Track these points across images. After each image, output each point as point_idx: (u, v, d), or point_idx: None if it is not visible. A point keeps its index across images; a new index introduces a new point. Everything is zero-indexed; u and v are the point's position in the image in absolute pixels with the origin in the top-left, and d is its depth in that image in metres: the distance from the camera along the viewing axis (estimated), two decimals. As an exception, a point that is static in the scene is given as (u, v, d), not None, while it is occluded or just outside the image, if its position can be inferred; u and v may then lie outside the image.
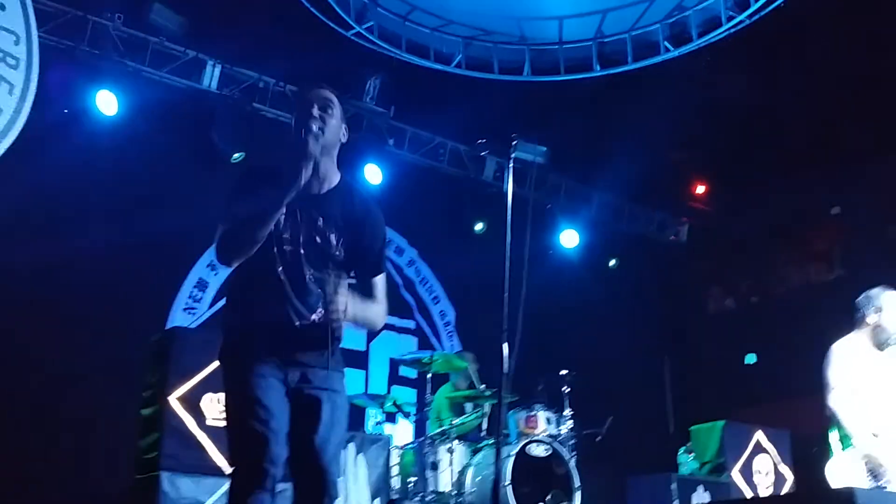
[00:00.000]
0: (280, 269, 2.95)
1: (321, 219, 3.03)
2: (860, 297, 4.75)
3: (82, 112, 7.20)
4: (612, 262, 10.70)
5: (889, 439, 4.37)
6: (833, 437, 4.58)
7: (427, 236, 9.83)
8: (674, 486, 7.15)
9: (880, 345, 4.65)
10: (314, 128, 3.02)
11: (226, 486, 5.27)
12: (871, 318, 4.67)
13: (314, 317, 2.98)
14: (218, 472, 5.27)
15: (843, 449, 4.48)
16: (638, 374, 10.13)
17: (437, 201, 9.54)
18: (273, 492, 2.84)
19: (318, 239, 3.03)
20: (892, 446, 4.34)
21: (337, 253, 3.07)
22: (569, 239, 9.99)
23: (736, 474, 7.63)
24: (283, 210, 2.90)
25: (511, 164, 3.93)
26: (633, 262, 10.74)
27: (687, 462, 7.76)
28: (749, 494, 7.54)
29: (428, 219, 9.64)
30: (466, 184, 9.53)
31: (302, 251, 2.99)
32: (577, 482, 6.32)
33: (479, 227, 9.60)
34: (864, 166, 9.22)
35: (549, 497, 6.26)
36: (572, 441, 6.78)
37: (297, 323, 2.95)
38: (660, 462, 8.11)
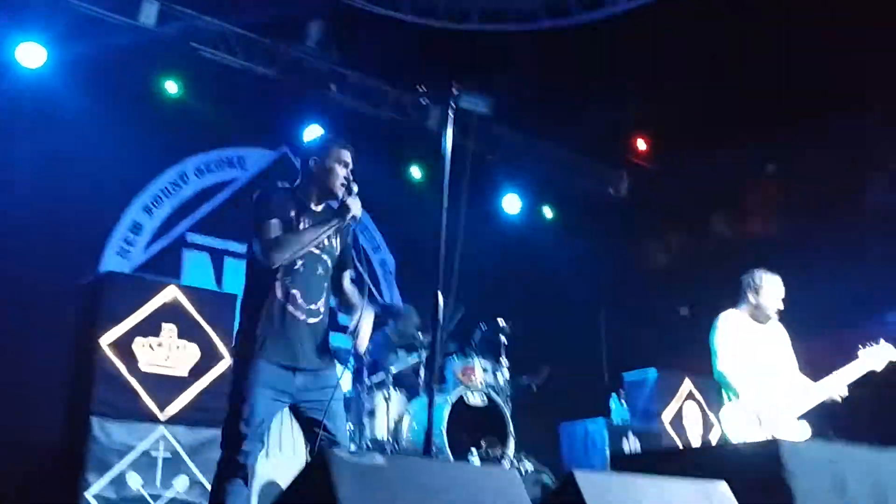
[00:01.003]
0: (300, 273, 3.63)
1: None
2: (744, 275, 5.19)
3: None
4: (548, 213, 10.80)
5: (769, 398, 4.92)
6: (724, 397, 5.11)
7: (368, 184, 9.73)
8: (605, 432, 7.30)
9: (759, 320, 5.21)
10: (355, 189, 3.87)
11: (158, 430, 5.27)
12: (751, 298, 5.25)
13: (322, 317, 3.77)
14: (150, 417, 5.23)
15: (726, 402, 5.07)
16: (575, 324, 10.27)
17: (379, 150, 9.45)
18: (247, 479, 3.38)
19: (326, 243, 3.79)
20: (773, 403, 4.90)
21: (336, 255, 3.84)
22: (511, 204, 10.09)
23: (666, 420, 7.83)
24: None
25: (452, 114, 3.91)
26: (574, 215, 10.83)
27: (618, 409, 7.93)
28: (678, 440, 7.75)
29: (369, 167, 9.52)
30: (409, 132, 9.45)
31: (320, 254, 3.76)
32: (511, 429, 6.43)
33: (416, 174, 9.56)
34: (800, 125, 9.38)
35: (483, 444, 6.36)
36: (508, 390, 6.88)
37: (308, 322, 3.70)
38: (593, 409, 8.27)
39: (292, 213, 3.75)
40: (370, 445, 6.31)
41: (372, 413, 6.41)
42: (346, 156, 3.95)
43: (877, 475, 3.27)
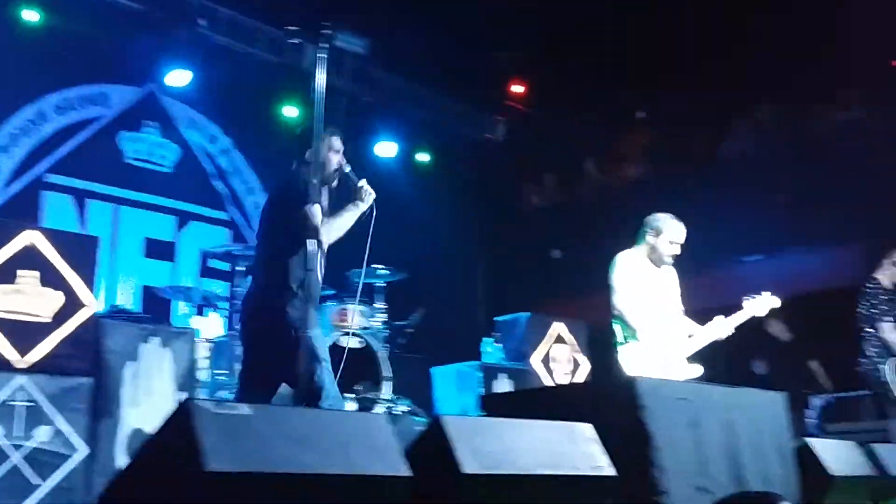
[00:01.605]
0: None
1: None
2: (647, 217, 5.28)
3: None
4: (424, 158, 10.81)
5: (665, 338, 5.06)
6: (618, 329, 5.19)
7: (242, 126, 9.49)
8: (478, 373, 7.45)
9: (655, 263, 5.28)
10: (347, 169, 4.34)
11: (17, 379, 5.05)
12: (650, 239, 5.26)
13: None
14: (8, 366, 4.99)
15: (623, 342, 5.13)
16: (451, 268, 10.38)
17: (252, 90, 9.18)
18: None
19: None
20: (668, 344, 5.05)
21: None
22: (386, 149, 10.01)
23: (536, 362, 8.05)
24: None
25: (325, 53, 3.82)
26: (451, 158, 10.86)
27: (491, 351, 8.09)
28: (548, 381, 8.00)
29: (243, 108, 9.29)
30: (283, 72, 9.20)
31: None
32: (387, 373, 6.48)
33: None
34: (671, 73, 9.64)
35: (359, 387, 6.39)
36: (384, 333, 6.91)
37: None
38: (467, 352, 8.42)
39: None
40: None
41: (244, 358, 6.32)
42: (337, 143, 4.31)
43: (727, 412, 3.47)
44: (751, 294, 5.46)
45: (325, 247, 4.17)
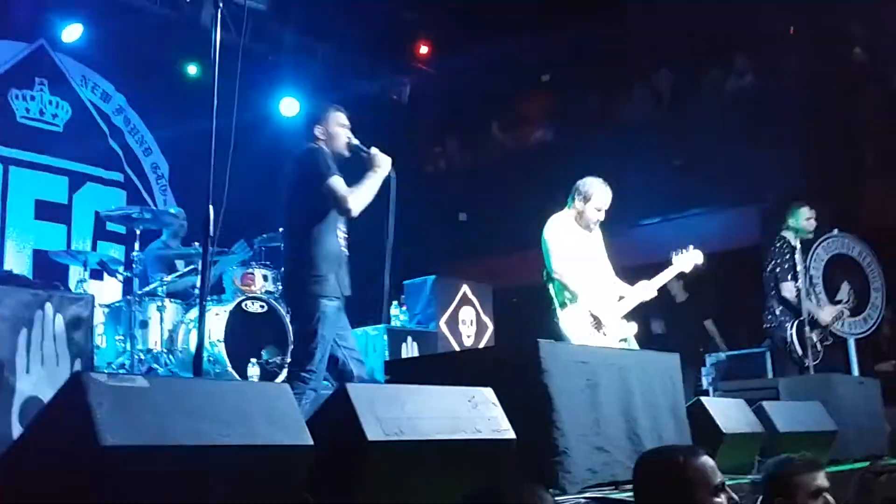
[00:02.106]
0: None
1: None
2: (578, 181, 5.30)
3: None
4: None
5: (601, 300, 5.12)
6: (552, 291, 5.15)
7: (138, 83, 9.16)
8: (384, 337, 7.46)
9: (584, 227, 5.28)
10: (355, 141, 4.54)
11: None
12: (578, 204, 5.26)
13: None
14: None
15: (560, 305, 5.09)
16: (358, 231, 10.31)
17: (150, 46, 8.86)
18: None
19: None
20: (605, 306, 5.12)
21: None
22: (288, 107, 9.82)
23: (442, 325, 8.12)
24: None
25: (222, 8, 3.71)
26: (354, 120, 10.72)
27: (398, 314, 8.11)
28: (454, 343, 8.08)
29: (139, 65, 8.96)
30: (181, 28, 8.89)
31: None
32: (292, 337, 6.42)
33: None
34: (573, 35, 9.73)
35: (263, 353, 6.33)
36: (289, 297, 6.83)
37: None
38: (375, 315, 8.42)
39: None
40: (143, 357, 6.10)
41: (145, 324, 6.18)
42: (343, 118, 4.56)
43: (624, 373, 3.57)
44: (679, 249, 5.52)
45: (355, 215, 4.38)
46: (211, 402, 2.19)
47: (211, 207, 3.44)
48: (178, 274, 6.62)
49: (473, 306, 8.54)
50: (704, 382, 7.88)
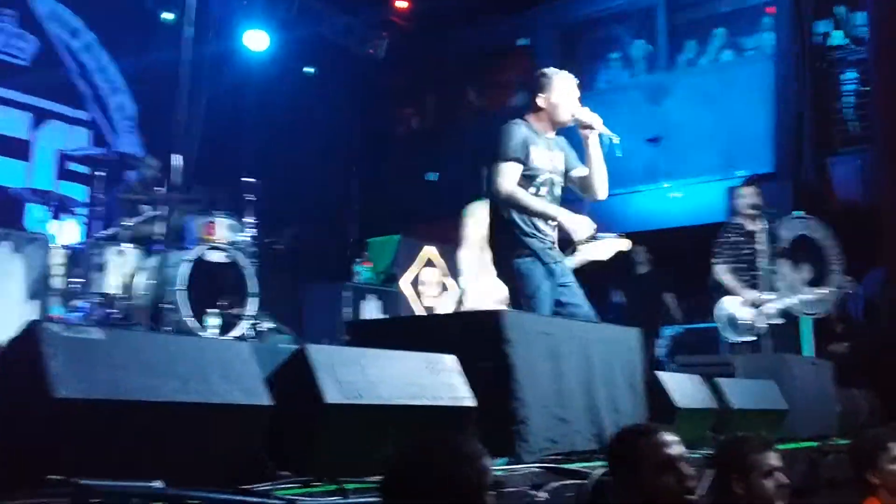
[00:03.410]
0: None
1: None
2: None
3: None
4: (309, 70, 10.47)
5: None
6: None
7: (108, 20, 8.91)
8: (347, 293, 7.44)
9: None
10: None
11: None
12: None
13: None
14: None
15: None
16: (325, 185, 10.23)
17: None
18: None
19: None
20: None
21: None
22: (255, 41, 9.38)
23: (405, 284, 8.11)
24: None
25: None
26: (328, 71, 10.57)
27: (361, 272, 8.08)
28: (416, 304, 8.08)
29: (111, 2, 8.73)
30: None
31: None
32: (253, 289, 6.37)
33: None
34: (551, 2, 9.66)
35: (223, 303, 6.27)
36: (252, 248, 6.77)
37: None
38: (338, 272, 8.39)
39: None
40: (100, 301, 6.01)
41: (101, 267, 6.07)
42: (572, 84, 4.33)
43: (585, 346, 3.58)
44: (604, 234, 5.41)
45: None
46: (168, 357, 2.16)
47: (176, 156, 3.36)
48: (140, 219, 6.50)
49: (437, 268, 8.53)
50: (660, 354, 7.98)
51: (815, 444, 5.09)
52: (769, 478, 2.99)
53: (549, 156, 4.34)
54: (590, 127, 4.28)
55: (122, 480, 1.83)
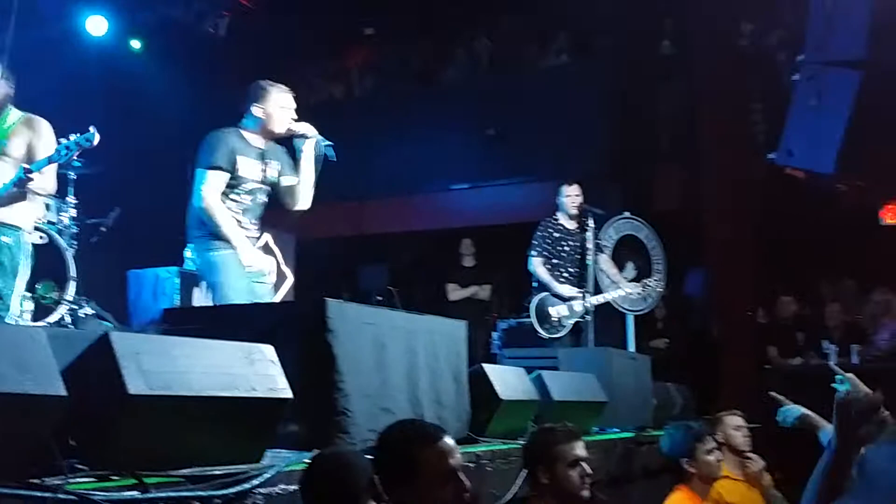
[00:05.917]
0: None
1: None
2: None
3: None
4: (136, 45, 10.06)
5: None
6: None
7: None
8: (176, 280, 7.18)
9: None
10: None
11: None
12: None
13: None
14: None
15: None
16: (157, 167, 9.81)
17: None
18: None
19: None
20: None
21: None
22: (96, 26, 9.20)
23: (243, 272, 7.90)
24: None
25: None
26: (164, 49, 10.15)
27: (193, 257, 7.79)
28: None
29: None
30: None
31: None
32: (72, 273, 6.04)
33: None
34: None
35: (38, 287, 5.91)
36: (74, 230, 6.43)
37: None
38: (169, 257, 8.07)
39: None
40: None
41: None
42: (289, 100, 4.53)
43: (410, 337, 3.59)
44: None
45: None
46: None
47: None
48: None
49: (275, 255, 8.37)
50: (493, 346, 8.15)
51: (631, 434, 5.33)
52: (574, 468, 3.08)
53: (259, 166, 4.44)
54: (304, 136, 4.42)
55: None
